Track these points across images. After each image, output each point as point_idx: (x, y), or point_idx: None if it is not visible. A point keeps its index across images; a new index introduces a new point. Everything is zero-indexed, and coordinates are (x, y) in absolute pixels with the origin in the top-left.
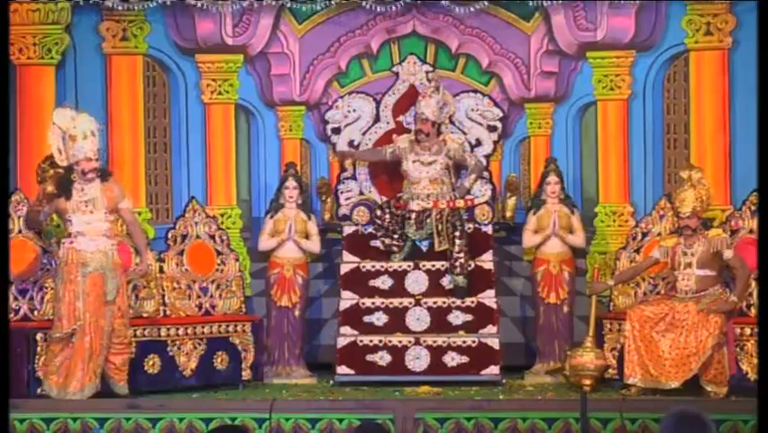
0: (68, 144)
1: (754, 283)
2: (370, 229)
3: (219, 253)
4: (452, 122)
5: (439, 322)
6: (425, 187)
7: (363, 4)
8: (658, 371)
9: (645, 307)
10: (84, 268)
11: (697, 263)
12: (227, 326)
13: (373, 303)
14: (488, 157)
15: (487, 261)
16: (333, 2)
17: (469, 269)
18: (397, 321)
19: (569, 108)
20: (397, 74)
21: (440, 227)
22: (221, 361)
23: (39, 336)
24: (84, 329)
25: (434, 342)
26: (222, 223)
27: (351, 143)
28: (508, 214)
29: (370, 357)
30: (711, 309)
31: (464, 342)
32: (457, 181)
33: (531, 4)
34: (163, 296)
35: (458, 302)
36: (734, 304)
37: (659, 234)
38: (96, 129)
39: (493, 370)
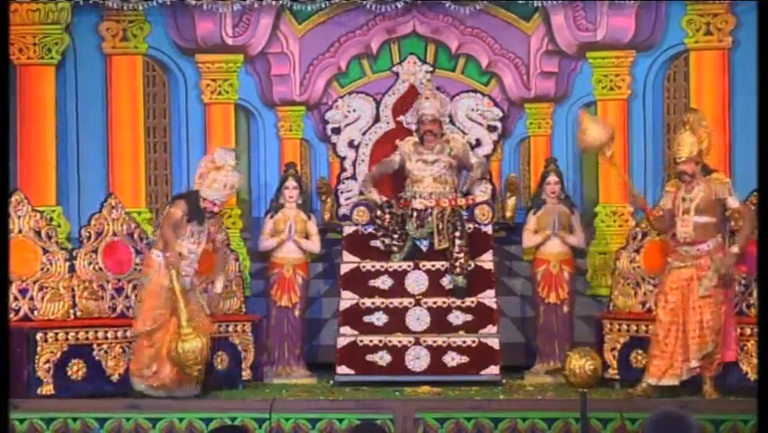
0: (207, 179)
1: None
2: (370, 229)
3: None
4: (452, 122)
5: (439, 322)
6: (428, 185)
7: (363, 4)
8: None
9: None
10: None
11: (695, 209)
12: (227, 326)
13: (373, 303)
14: (488, 157)
15: (487, 261)
16: (333, 2)
17: (469, 269)
18: (397, 321)
19: (569, 108)
20: (397, 74)
21: (440, 226)
22: (221, 361)
23: (39, 336)
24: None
25: (434, 342)
26: (222, 223)
27: (351, 143)
28: (508, 214)
29: (370, 357)
30: (712, 291)
31: (464, 342)
32: (459, 182)
33: (531, 4)
34: None
35: (458, 302)
36: (734, 257)
37: (659, 234)
38: (237, 185)
39: (493, 370)
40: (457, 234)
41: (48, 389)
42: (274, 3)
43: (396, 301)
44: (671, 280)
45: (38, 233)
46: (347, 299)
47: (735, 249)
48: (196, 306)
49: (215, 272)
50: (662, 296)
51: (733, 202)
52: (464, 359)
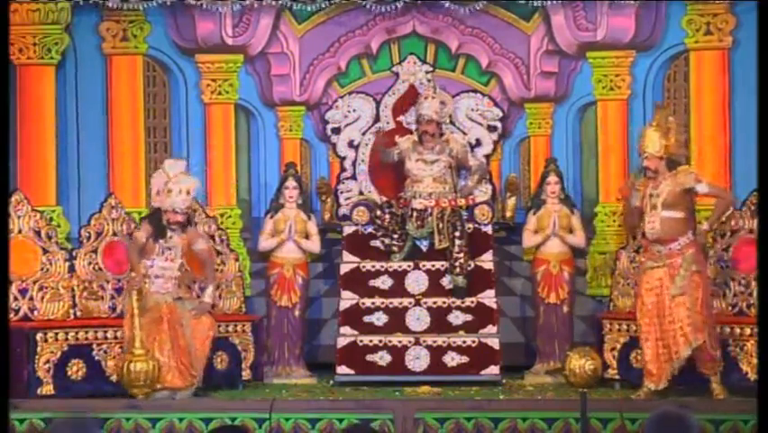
0: (164, 193)
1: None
2: (370, 229)
3: (219, 253)
4: (452, 122)
5: (439, 322)
6: (427, 185)
7: (363, 4)
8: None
9: (648, 273)
10: (144, 305)
11: (662, 204)
12: (227, 326)
13: (373, 303)
14: (488, 157)
15: (487, 261)
16: (333, 2)
17: (468, 269)
18: (397, 321)
19: (569, 108)
20: (397, 74)
21: (440, 226)
22: (221, 361)
23: (39, 336)
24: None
25: (434, 342)
26: (222, 223)
27: (351, 143)
28: (508, 214)
29: (370, 357)
30: (686, 291)
31: (464, 342)
32: (458, 182)
33: (531, 4)
34: None
35: (458, 302)
36: (705, 235)
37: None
38: (193, 189)
39: (493, 370)
40: (457, 234)
41: (48, 389)
42: (274, 3)
43: (396, 301)
44: (645, 280)
45: (38, 233)
46: (347, 299)
47: (704, 225)
48: (188, 313)
49: (206, 281)
50: (639, 299)
51: (702, 188)
52: (464, 359)
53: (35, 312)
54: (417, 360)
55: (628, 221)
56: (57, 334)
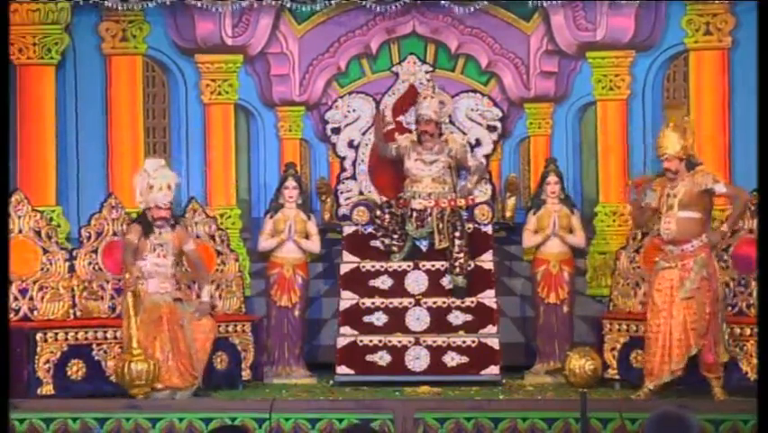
0: (146, 190)
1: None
2: (370, 229)
3: (219, 253)
4: (451, 122)
5: (439, 322)
6: (426, 185)
7: (363, 4)
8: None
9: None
10: (141, 305)
11: (679, 204)
12: (227, 326)
13: (373, 303)
14: (487, 157)
15: (487, 261)
16: (333, 2)
17: (468, 269)
18: (396, 321)
19: (569, 108)
20: (396, 74)
21: (440, 225)
22: (220, 361)
23: (39, 336)
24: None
25: (434, 342)
26: (222, 223)
27: (350, 143)
28: (508, 214)
29: (370, 357)
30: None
31: (464, 342)
32: (458, 182)
33: (531, 4)
34: None
35: (458, 302)
36: (722, 234)
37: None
38: (174, 183)
39: (493, 370)
40: (457, 234)
41: (48, 389)
42: (274, 3)
43: (396, 301)
44: (657, 281)
45: (38, 233)
46: (347, 299)
47: (723, 227)
48: (188, 315)
49: (200, 281)
50: (650, 298)
51: (720, 188)
52: (464, 359)
53: (35, 312)
54: (417, 360)
55: (637, 220)
56: (57, 334)
